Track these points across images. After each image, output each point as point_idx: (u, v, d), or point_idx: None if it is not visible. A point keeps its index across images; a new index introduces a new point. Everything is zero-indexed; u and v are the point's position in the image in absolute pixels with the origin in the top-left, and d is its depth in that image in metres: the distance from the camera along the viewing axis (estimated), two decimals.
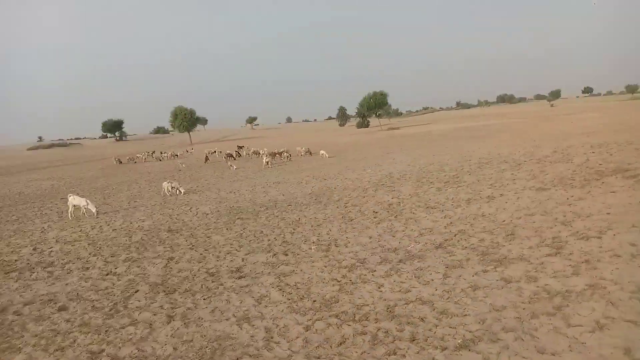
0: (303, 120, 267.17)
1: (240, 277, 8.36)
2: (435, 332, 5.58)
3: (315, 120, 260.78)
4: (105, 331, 6.47)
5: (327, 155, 35.59)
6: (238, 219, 13.87)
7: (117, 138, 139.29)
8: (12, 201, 24.52)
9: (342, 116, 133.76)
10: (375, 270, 8.02)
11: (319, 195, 16.79)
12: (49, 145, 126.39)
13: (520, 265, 7.38)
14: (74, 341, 6.21)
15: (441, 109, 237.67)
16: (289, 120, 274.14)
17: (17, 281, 9.33)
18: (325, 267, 8.48)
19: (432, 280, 7.29)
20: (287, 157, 38.30)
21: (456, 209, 11.88)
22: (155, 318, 6.79)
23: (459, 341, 5.29)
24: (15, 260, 11.04)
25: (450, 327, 5.65)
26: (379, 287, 7.24)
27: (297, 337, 5.79)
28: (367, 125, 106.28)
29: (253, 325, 6.27)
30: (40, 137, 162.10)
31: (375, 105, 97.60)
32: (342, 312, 6.41)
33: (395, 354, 5.25)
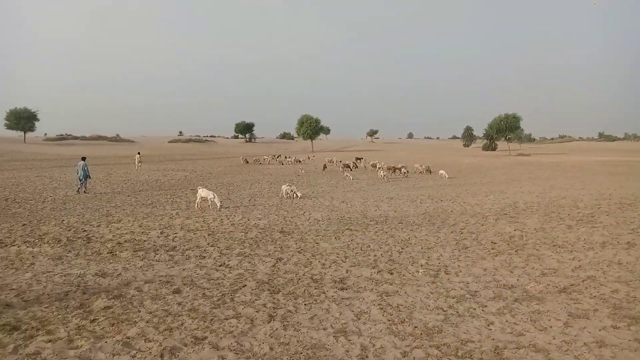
0: (425, 137, 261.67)
1: (342, 289, 8.29)
2: None
3: (438, 138, 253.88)
4: (211, 320, 6.78)
5: (447, 176, 34.41)
6: (347, 229, 13.88)
7: (247, 139, 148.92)
8: (150, 187, 27.23)
9: (468, 136, 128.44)
10: (486, 306, 7.43)
11: (433, 216, 16.19)
12: (186, 140, 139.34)
13: None
14: (182, 324, 6.59)
15: (580, 138, 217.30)
16: (410, 136, 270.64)
17: (142, 260, 10.25)
18: (432, 293, 8.06)
19: (551, 327, 6.53)
20: (404, 173, 37.74)
21: (588, 251, 10.64)
22: (257, 315, 6.96)
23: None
24: (144, 241, 12.16)
25: None
26: (488, 325, 6.67)
27: None
28: (494, 149, 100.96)
29: (349, 340, 6.13)
30: (180, 132, 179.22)
31: (506, 128, 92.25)
32: (443, 344, 6.00)
33: None
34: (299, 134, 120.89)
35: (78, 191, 23.62)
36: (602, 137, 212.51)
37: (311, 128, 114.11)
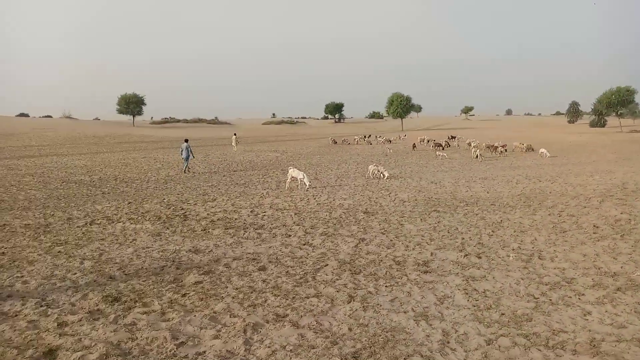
0: (525, 114, 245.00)
1: (425, 272, 8.05)
2: None
3: (539, 114, 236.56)
4: (292, 298, 6.91)
5: (548, 155, 32.08)
6: (434, 211, 13.45)
7: (336, 120, 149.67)
8: (244, 167, 28.39)
9: (574, 112, 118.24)
10: (583, 294, 6.81)
11: (530, 198, 15.17)
12: (279, 121, 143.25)
13: None
14: (265, 301, 6.79)
15: None
16: (508, 112, 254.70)
17: (232, 237, 10.71)
18: (522, 279, 7.56)
19: None
20: (502, 152, 35.83)
21: None
22: (337, 295, 6.98)
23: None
24: (235, 219, 12.70)
25: None
26: (585, 315, 6.11)
27: (476, 349, 5.26)
28: (602, 125, 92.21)
29: (431, 325, 5.94)
30: (273, 114, 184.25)
31: (618, 103, 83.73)
32: (533, 333, 5.60)
33: None
34: (388, 113, 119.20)
35: (185, 171, 25.42)
36: None
37: (401, 106, 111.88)
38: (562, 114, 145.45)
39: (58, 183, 20.49)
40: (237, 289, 7.31)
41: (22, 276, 7.79)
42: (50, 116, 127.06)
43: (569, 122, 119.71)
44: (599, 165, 25.36)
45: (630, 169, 22.04)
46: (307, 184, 18.51)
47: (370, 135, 66.28)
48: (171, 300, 6.77)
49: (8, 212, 13.80)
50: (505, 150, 36.59)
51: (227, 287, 7.37)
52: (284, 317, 6.23)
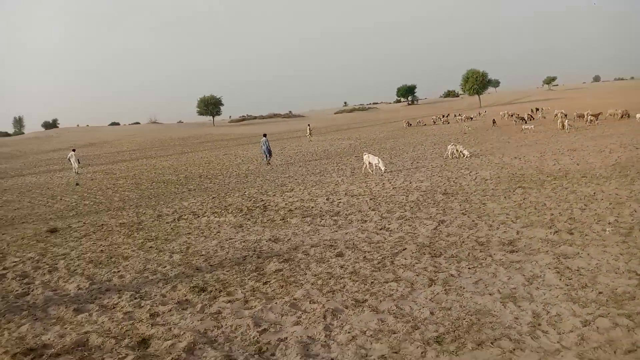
0: (615, 79, 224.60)
1: (512, 252, 7.61)
2: None
3: (632, 78, 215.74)
4: (371, 282, 6.84)
5: None
6: (519, 187, 12.71)
7: (409, 102, 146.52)
8: (319, 157, 28.69)
9: None
10: None
11: (626, 167, 13.89)
12: (350, 109, 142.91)
13: None
14: (344, 287, 6.78)
15: None
16: (596, 79, 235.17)
17: (309, 225, 10.82)
18: (622, 254, 6.90)
19: None
20: (592, 120, 33.21)
21: None
22: (417, 279, 6.81)
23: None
24: (312, 207, 12.83)
25: None
26: None
27: (571, 331, 4.87)
28: None
29: (519, 307, 5.60)
30: (345, 102, 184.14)
31: None
32: (637, 312, 5.09)
33: None
34: (464, 91, 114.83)
35: (268, 163, 26.51)
36: None
37: (478, 82, 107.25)
38: None
39: (148, 183, 21.92)
40: (315, 275, 7.37)
41: (119, 271, 8.39)
42: (138, 122, 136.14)
43: None
44: None
45: None
46: (383, 169, 18.29)
47: (448, 115, 64.25)
48: (253, 289, 6.96)
49: (105, 212, 14.97)
50: (596, 118, 33.75)
51: (305, 274, 7.45)
52: (363, 302, 6.17)
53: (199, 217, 12.88)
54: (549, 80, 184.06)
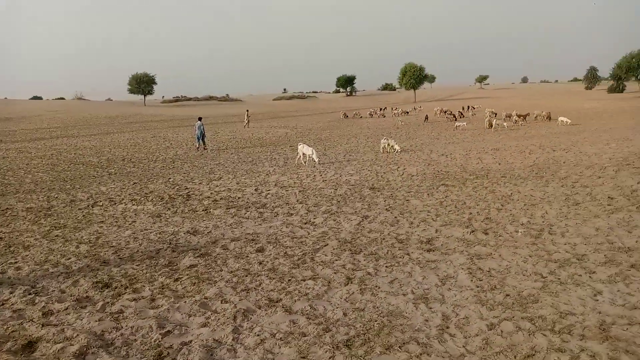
0: (541, 81, 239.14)
1: (429, 250, 7.70)
2: None
3: (556, 81, 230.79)
4: (288, 280, 6.65)
5: (568, 122, 31.06)
6: (442, 185, 13.03)
7: (348, 93, 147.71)
8: (253, 144, 28.15)
9: (591, 78, 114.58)
10: (594, 272, 6.41)
11: (542, 168, 14.63)
12: (289, 97, 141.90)
13: None
14: (260, 284, 6.54)
15: None
16: (524, 80, 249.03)
17: (233, 217, 10.47)
18: (530, 256, 7.17)
19: None
20: (518, 121, 35.04)
21: None
22: (335, 277, 6.70)
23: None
24: (238, 198, 12.45)
25: None
26: (595, 295, 5.73)
27: (477, 335, 4.94)
28: (621, 90, 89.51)
29: (430, 308, 5.63)
30: (284, 89, 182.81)
31: (638, 67, 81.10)
32: (539, 316, 5.25)
33: None
34: (401, 84, 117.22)
35: (198, 149, 25.42)
36: None
37: (414, 77, 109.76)
38: (580, 80, 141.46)
39: (66, 165, 20.45)
40: (232, 272, 7.07)
41: (16, 262, 7.65)
42: (63, 98, 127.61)
43: (587, 88, 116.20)
44: (617, 132, 24.47)
45: None
46: (316, 160, 18.19)
47: (385, 108, 65.39)
48: (162, 286, 6.56)
49: (13, 195, 13.76)
50: (524, 119, 35.65)
51: (221, 271, 7.14)
52: (277, 302, 5.97)
53: (115, 204, 12.12)
54: (481, 79, 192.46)
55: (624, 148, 17.45)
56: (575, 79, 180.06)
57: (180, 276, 6.91)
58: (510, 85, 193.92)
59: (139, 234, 9.26)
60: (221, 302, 5.99)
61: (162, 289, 6.46)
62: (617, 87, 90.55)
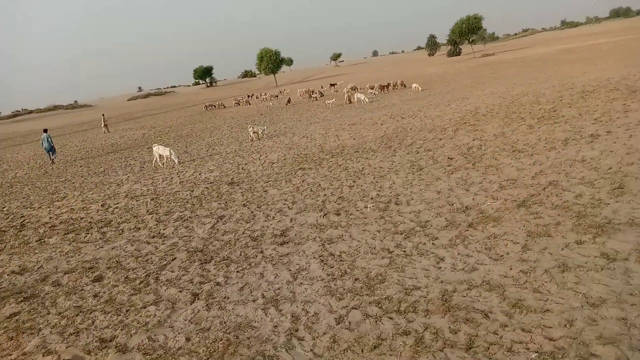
0: (390, 53, 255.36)
1: (282, 243, 7.39)
2: (501, 338, 4.17)
3: (402, 51, 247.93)
4: (126, 311, 5.88)
5: (420, 89, 33.21)
6: (300, 169, 12.87)
7: (208, 84, 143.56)
8: (105, 152, 25.80)
9: (432, 45, 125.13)
10: (437, 238, 6.59)
11: (391, 138, 15.19)
12: (146, 95, 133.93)
13: (630, 234, 5.57)
14: (92, 323, 5.69)
15: (543, 29, 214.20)
16: (375, 53, 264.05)
17: (70, 243, 9.21)
18: (378, 232, 7.19)
19: (507, 253, 5.73)
20: (380, 91, 37.11)
21: (549, 152, 9.81)
22: (180, 296, 6.08)
23: (533, 355, 3.87)
24: (81, 219, 11.07)
25: (524, 331, 4.20)
26: (438, 262, 5.85)
27: (325, 333, 4.70)
28: (458, 53, 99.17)
29: (280, 311, 5.29)
30: (139, 88, 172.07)
31: (468, 31, 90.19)
32: (385, 297, 5.18)
33: None
34: (260, 70, 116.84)
35: (53, 162, 23.42)
36: (565, 24, 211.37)
37: (272, 62, 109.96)
38: (423, 48, 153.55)
39: None
40: (60, 313, 6.08)
41: None
42: None
43: (429, 55, 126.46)
44: (456, 93, 26.59)
45: (483, 92, 23.29)
46: (176, 161, 17.01)
47: (251, 95, 64.73)
48: None
49: None
50: (386, 89, 37.60)
51: (48, 314, 6.11)
52: (110, 341, 5.20)
53: None
54: (335, 57, 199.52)
55: (462, 107, 18.89)
56: (419, 47, 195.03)
57: None
58: (363, 60, 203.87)
59: None
60: (42, 355, 5.07)
61: None
62: (454, 50, 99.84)
